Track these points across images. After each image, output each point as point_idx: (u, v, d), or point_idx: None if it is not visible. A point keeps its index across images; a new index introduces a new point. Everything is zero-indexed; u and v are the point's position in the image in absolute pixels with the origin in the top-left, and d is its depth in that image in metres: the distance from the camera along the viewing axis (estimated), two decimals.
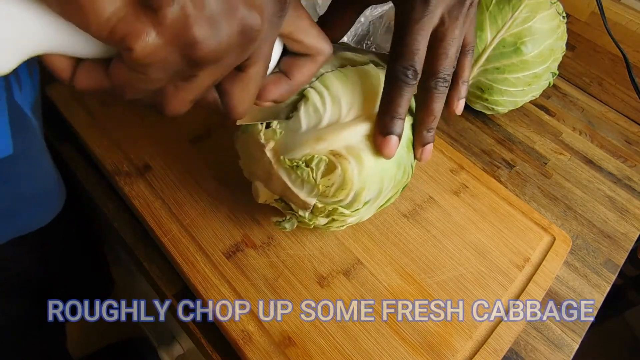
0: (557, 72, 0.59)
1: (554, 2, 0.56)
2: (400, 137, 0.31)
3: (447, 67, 0.31)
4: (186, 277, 0.36)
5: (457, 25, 0.30)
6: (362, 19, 0.64)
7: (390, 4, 0.65)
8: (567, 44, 0.59)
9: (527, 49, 0.54)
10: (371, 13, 0.60)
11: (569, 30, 0.61)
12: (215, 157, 0.44)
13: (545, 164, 0.59)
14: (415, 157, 0.35)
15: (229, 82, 0.22)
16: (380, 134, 0.31)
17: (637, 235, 0.54)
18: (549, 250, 0.44)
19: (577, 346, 0.42)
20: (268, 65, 0.23)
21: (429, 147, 0.34)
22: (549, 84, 0.60)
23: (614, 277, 0.49)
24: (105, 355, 0.99)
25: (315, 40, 0.26)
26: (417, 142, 0.34)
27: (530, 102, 0.64)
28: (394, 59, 0.30)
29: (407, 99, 0.30)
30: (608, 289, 0.48)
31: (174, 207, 0.40)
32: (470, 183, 0.48)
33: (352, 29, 0.64)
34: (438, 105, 0.32)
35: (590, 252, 0.50)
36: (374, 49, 0.64)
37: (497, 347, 0.37)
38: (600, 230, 0.53)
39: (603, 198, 0.57)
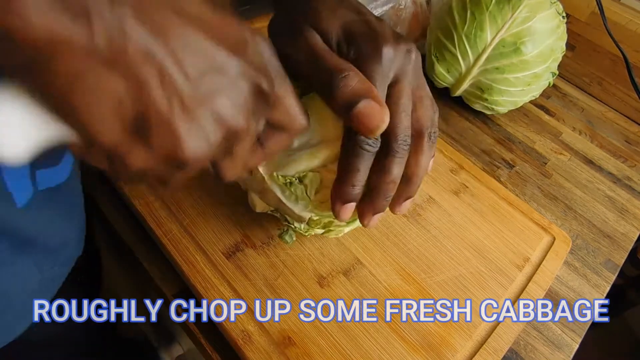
0: (557, 72, 0.59)
1: (554, 2, 0.56)
2: (357, 201, 0.30)
3: (406, 127, 0.29)
4: (186, 277, 0.36)
5: (409, 81, 0.30)
6: None
7: (391, 4, 0.65)
8: (567, 44, 0.59)
9: (527, 48, 0.54)
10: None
11: (569, 30, 0.61)
12: None
13: (545, 164, 0.59)
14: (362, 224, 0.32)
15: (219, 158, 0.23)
16: (339, 201, 0.30)
17: (637, 235, 0.54)
18: (548, 250, 0.44)
19: (577, 346, 0.42)
20: (254, 141, 0.24)
21: (378, 216, 0.32)
22: (549, 84, 0.60)
23: (614, 277, 0.49)
24: (105, 354, 0.99)
25: (293, 117, 0.25)
26: (369, 211, 0.31)
27: (530, 102, 0.64)
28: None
29: (367, 167, 0.29)
30: (608, 289, 0.48)
31: (174, 207, 0.40)
32: (470, 183, 0.48)
33: None
34: (397, 171, 0.30)
35: (590, 252, 0.50)
36: None
37: (497, 347, 0.37)
38: (600, 230, 0.53)
39: (603, 198, 0.57)
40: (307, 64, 0.28)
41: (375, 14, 0.59)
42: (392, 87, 0.29)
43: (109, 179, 0.43)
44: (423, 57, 0.33)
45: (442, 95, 0.64)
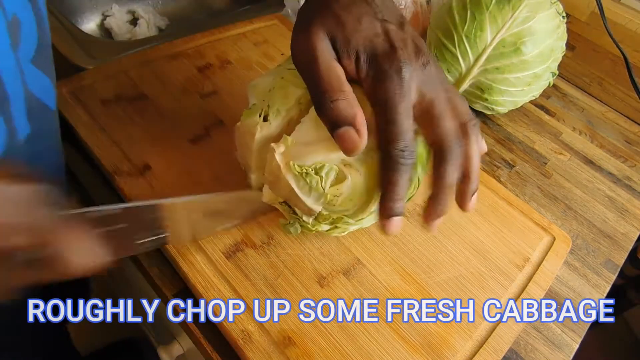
0: (557, 72, 0.59)
1: (554, 2, 0.56)
2: (402, 214, 0.30)
3: (453, 131, 0.30)
4: (186, 277, 0.36)
5: (434, 90, 0.30)
6: None
7: None
8: (567, 44, 0.59)
9: (527, 48, 0.54)
10: None
11: (569, 30, 0.61)
12: (215, 157, 0.44)
13: (545, 164, 0.59)
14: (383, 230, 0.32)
15: None
16: (385, 217, 0.30)
17: (637, 235, 0.54)
18: (548, 250, 0.44)
19: (577, 346, 0.42)
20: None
21: (440, 220, 0.32)
22: (549, 84, 0.60)
23: (614, 277, 0.49)
24: (105, 355, 0.99)
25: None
26: (432, 217, 0.31)
27: (530, 102, 0.64)
28: (388, 142, 0.29)
29: (407, 179, 0.30)
30: (608, 289, 0.48)
31: None
32: None
33: None
34: (456, 174, 0.31)
35: (590, 252, 0.50)
36: None
37: (497, 347, 0.37)
38: (600, 230, 0.53)
39: (603, 198, 0.57)
40: (307, 71, 0.30)
41: None
42: (422, 103, 0.30)
43: (109, 179, 0.43)
44: None
45: None
